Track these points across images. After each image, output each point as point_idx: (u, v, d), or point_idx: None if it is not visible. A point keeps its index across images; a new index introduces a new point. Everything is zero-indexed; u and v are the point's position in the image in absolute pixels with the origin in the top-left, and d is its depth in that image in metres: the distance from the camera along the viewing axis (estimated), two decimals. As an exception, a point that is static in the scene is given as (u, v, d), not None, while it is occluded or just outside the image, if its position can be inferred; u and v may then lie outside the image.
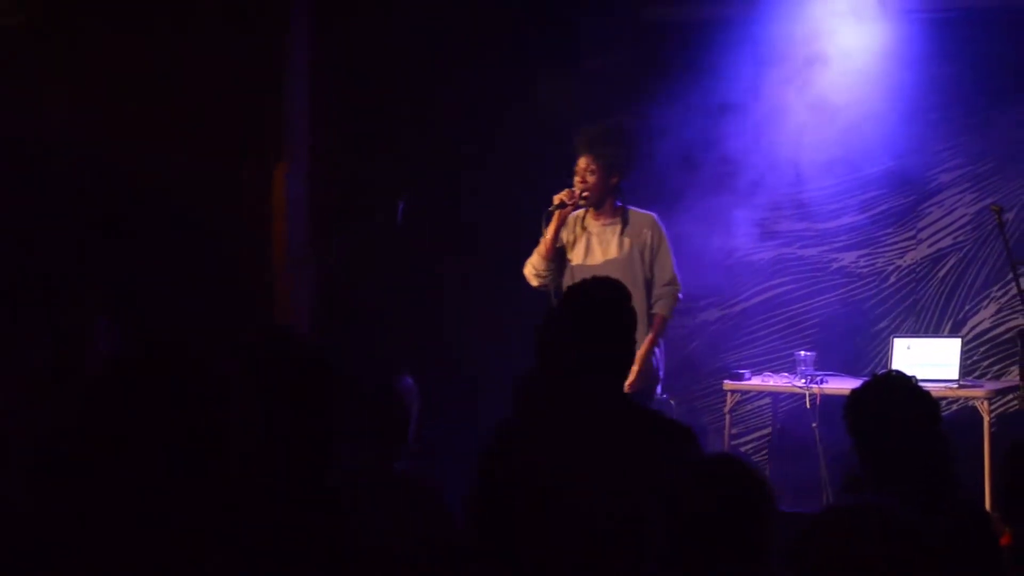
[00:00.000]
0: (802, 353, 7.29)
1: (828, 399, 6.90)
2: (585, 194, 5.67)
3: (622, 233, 5.64)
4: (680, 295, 5.90)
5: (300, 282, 7.26)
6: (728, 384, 7.44)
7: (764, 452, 7.82)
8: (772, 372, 7.64)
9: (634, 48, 7.76)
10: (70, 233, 6.65)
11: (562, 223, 5.70)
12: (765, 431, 7.97)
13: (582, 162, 5.70)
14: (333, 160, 7.45)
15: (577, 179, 5.70)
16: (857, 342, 7.84)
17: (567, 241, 5.76)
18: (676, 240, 6.38)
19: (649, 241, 5.66)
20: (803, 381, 7.12)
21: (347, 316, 7.42)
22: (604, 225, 5.67)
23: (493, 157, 7.56)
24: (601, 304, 3.41)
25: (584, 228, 5.70)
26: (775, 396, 7.68)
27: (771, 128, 7.68)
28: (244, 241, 7.21)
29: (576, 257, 5.73)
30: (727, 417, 7.50)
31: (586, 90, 7.81)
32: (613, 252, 5.60)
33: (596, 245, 5.68)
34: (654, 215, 5.80)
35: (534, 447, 3.25)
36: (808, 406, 6.95)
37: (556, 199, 5.68)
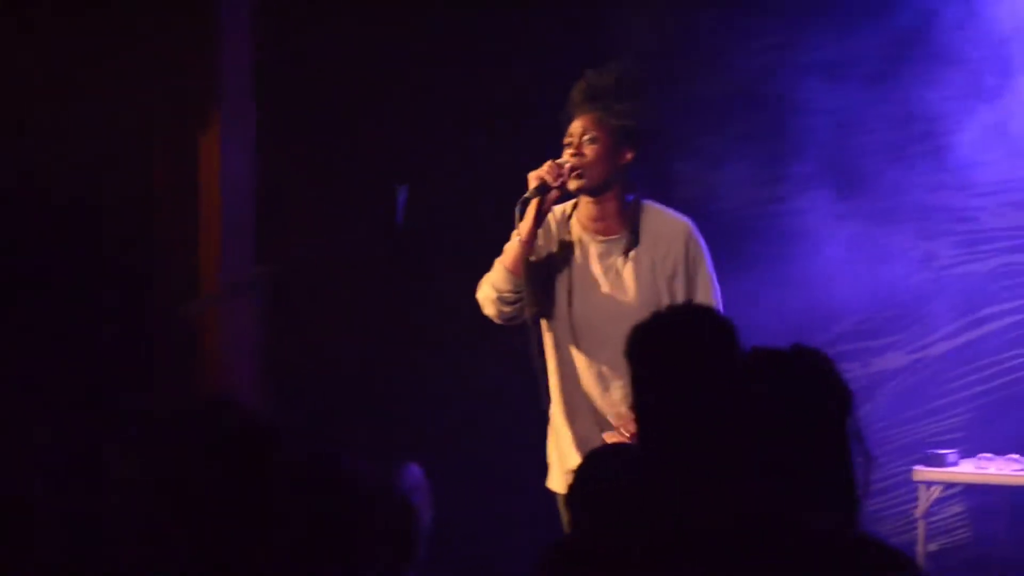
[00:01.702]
0: (1045, 423, 6.57)
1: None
2: (578, 172, 4.84)
3: (631, 250, 4.89)
4: None
5: (241, 320, 6.18)
6: (922, 472, 6.51)
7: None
8: (994, 454, 6.59)
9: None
10: None
11: (541, 218, 4.89)
12: (982, 549, 7.02)
13: (578, 125, 4.92)
14: (291, 134, 6.70)
15: (568, 151, 4.88)
16: None
17: (540, 257, 4.96)
18: (826, 244, 6.73)
19: (680, 264, 4.91)
20: (1049, 469, 6.35)
21: (316, 375, 6.68)
22: (606, 239, 4.90)
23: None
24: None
25: (574, 239, 4.96)
26: (998, 492, 6.77)
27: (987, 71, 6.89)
28: (147, 247, 6.31)
29: (562, 289, 4.91)
30: (920, 524, 6.55)
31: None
32: (631, 289, 4.87)
33: (597, 271, 4.90)
34: (689, 223, 4.99)
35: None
36: (1058, 509, 6.45)
37: (533, 179, 4.86)
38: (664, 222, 4.92)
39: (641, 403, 3.03)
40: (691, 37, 7.08)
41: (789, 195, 6.91)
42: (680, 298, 4.87)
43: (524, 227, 4.79)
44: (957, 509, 6.95)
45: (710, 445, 2.94)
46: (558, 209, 4.95)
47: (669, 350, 3.04)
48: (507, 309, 4.85)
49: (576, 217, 4.89)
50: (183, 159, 6.15)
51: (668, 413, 2.99)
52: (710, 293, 4.89)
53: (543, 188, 4.80)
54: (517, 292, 4.83)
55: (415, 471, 3.99)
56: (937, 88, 6.83)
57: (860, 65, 6.94)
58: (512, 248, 4.80)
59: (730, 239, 6.53)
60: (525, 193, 4.81)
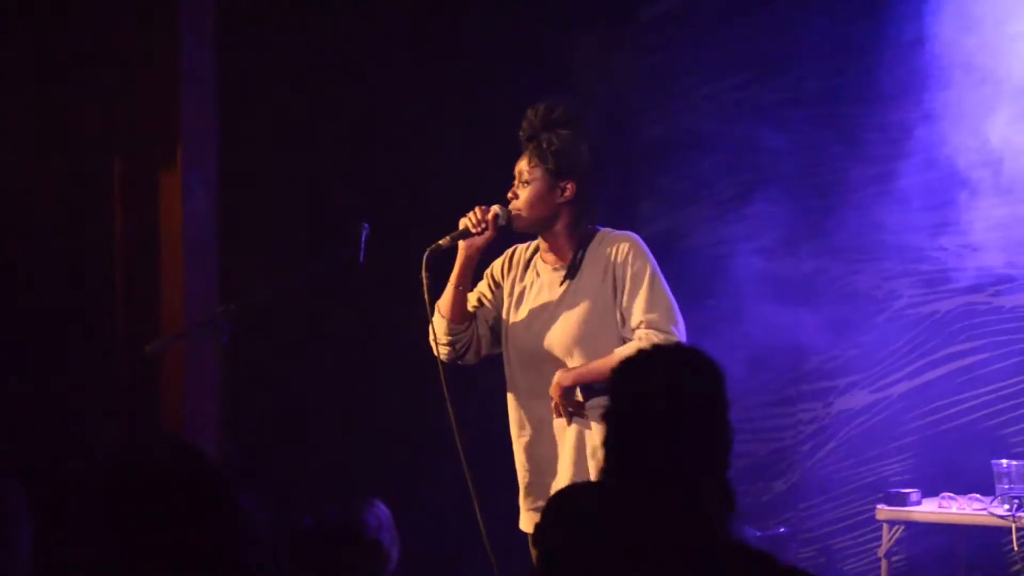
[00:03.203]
0: (1004, 463, 6.37)
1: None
2: (515, 213, 4.83)
3: (571, 273, 4.84)
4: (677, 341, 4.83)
5: (202, 361, 6.23)
6: (884, 511, 6.52)
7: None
8: (954, 493, 6.54)
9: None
10: None
11: (470, 259, 4.86)
12: (945, 588, 7.14)
13: (522, 163, 4.88)
14: (253, 171, 6.71)
15: (511, 191, 4.88)
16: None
17: (510, 293, 4.94)
18: (789, 284, 6.69)
19: (612, 270, 4.80)
20: (1008, 507, 6.22)
21: (278, 413, 6.70)
22: (556, 267, 4.87)
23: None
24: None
25: (535, 271, 4.92)
26: (959, 531, 6.71)
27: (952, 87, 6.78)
28: (109, 286, 6.22)
29: (519, 320, 4.88)
30: (883, 564, 6.55)
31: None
32: (574, 315, 4.78)
33: (546, 298, 4.85)
34: (632, 236, 4.91)
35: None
36: (1016, 548, 6.16)
37: (461, 223, 4.88)
38: (608, 242, 4.85)
39: (615, 438, 3.03)
40: (650, 77, 7.09)
41: (751, 234, 6.92)
42: (630, 306, 4.80)
43: (454, 274, 4.79)
44: (919, 548, 6.89)
45: (676, 479, 2.98)
46: (530, 245, 4.97)
47: (649, 389, 3.05)
48: (452, 350, 4.85)
49: (540, 253, 4.87)
50: (145, 197, 6.14)
51: (642, 452, 3.00)
52: (647, 287, 4.80)
53: (463, 234, 4.81)
54: (455, 335, 4.82)
55: (382, 509, 4.18)
56: (898, 129, 6.87)
57: (821, 105, 6.93)
58: (445, 294, 4.80)
59: (694, 277, 6.53)
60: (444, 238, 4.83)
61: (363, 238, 5.36)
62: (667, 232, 6.92)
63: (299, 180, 6.85)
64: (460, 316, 4.81)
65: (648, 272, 4.78)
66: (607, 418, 3.03)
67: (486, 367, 4.94)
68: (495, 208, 4.76)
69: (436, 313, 4.82)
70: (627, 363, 3.09)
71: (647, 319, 4.67)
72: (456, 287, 4.78)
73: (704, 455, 3.03)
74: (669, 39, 7.24)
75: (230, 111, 6.37)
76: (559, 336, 4.71)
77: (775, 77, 7.06)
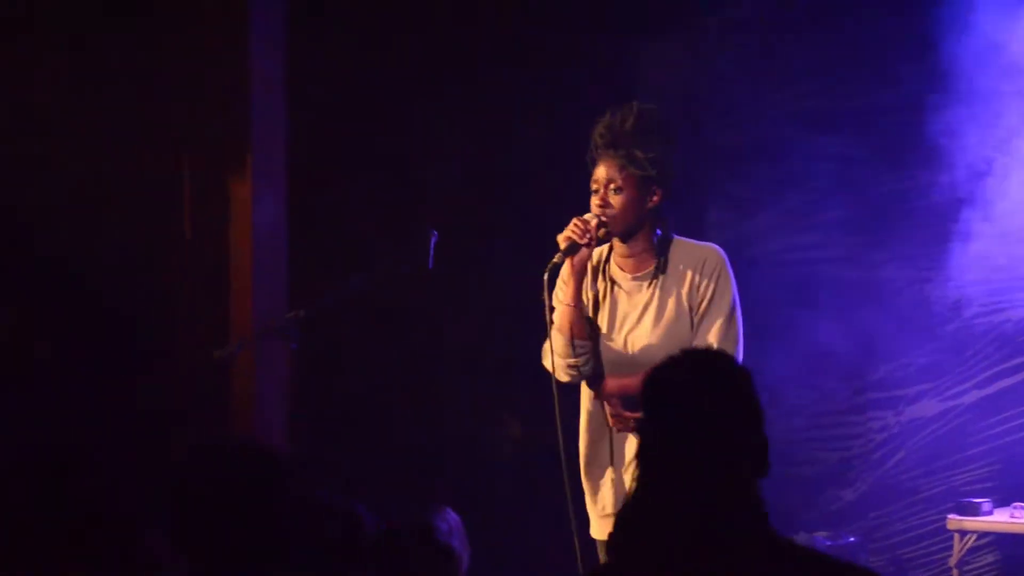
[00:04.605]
0: (1082, 472, 6.50)
1: None
2: (604, 220, 4.75)
3: (656, 280, 4.79)
4: None
5: (272, 367, 6.18)
6: (956, 521, 6.49)
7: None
8: None
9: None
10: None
11: (580, 274, 4.77)
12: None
13: (602, 172, 4.77)
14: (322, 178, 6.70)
15: (595, 200, 4.76)
16: None
17: (587, 300, 4.89)
18: (859, 292, 6.68)
19: (696, 281, 4.79)
20: (1087, 520, 6.28)
21: (347, 418, 6.70)
22: (636, 275, 4.81)
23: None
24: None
25: (608, 278, 4.84)
26: None
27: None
28: (178, 293, 6.27)
29: (597, 331, 4.82)
30: (954, 574, 6.53)
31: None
32: (659, 323, 4.77)
33: (627, 307, 4.80)
34: (718, 249, 4.88)
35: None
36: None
37: (562, 240, 4.74)
38: (691, 251, 4.83)
39: (643, 446, 3.03)
40: (716, 84, 7.11)
41: (821, 242, 6.90)
42: (703, 327, 4.79)
43: (567, 292, 4.73)
44: (991, 558, 6.92)
45: (704, 485, 2.97)
46: (596, 252, 4.89)
47: (678, 397, 3.04)
48: (578, 372, 4.74)
49: (612, 257, 4.82)
50: (215, 203, 6.15)
51: (670, 459, 3.00)
52: (722, 310, 4.82)
53: (572, 248, 4.73)
54: (584, 352, 4.73)
55: (452, 515, 4.21)
56: (975, 134, 6.78)
57: (892, 113, 6.91)
58: (562, 314, 4.72)
59: (762, 285, 6.48)
60: (554, 258, 4.73)
61: (431, 244, 5.33)
62: (736, 239, 6.81)
63: (367, 186, 6.87)
64: (583, 331, 4.74)
65: (729, 298, 4.79)
66: (638, 427, 3.07)
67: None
68: (593, 217, 4.72)
69: (557, 334, 4.74)
70: (655, 372, 3.09)
71: (716, 345, 4.68)
72: (571, 305, 4.71)
73: (734, 460, 3.02)
74: (738, 46, 7.23)
75: (299, 117, 6.39)
76: (647, 343, 4.71)
77: (846, 84, 7.03)
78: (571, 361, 4.69)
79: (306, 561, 3.83)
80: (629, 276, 4.74)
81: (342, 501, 4.10)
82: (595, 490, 4.55)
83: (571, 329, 4.69)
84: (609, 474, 4.52)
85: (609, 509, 4.48)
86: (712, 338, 4.69)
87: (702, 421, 2.98)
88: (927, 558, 7.14)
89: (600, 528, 4.52)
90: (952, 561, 6.50)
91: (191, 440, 5.83)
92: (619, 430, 4.56)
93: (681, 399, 3.01)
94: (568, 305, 4.69)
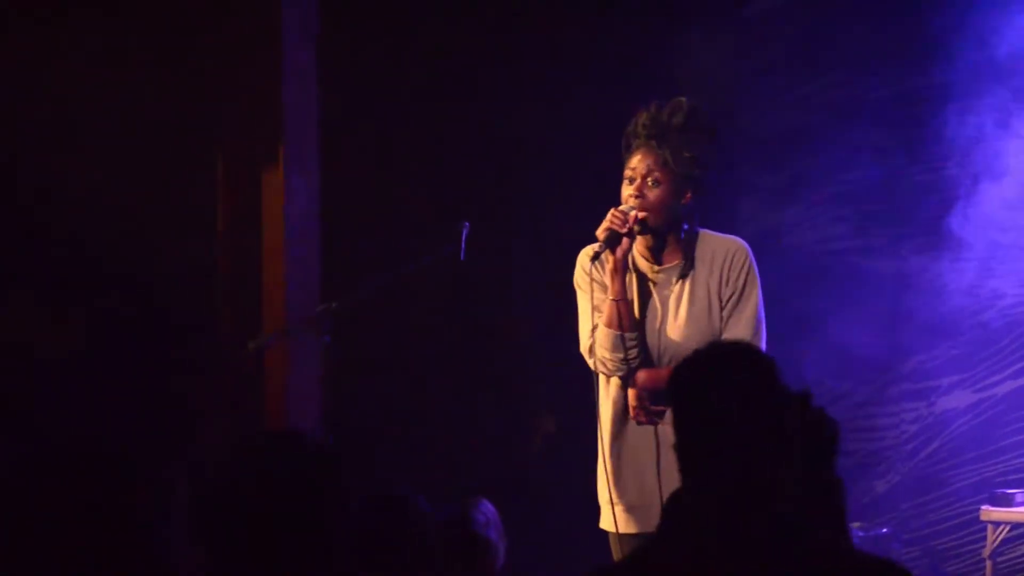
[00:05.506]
0: (1118, 462, 6.53)
1: None
2: (642, 215, 4.68)
3: (685, 273, 4.76)
4: None
5: (305, 359, 6.19)
6: (989, 512, 6.43)
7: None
8: None
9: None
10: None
11: (624, 267, 4.72)
12: (1053, 591, 6.94)
13: (640, 162, 4.70)
14: (355, 169, 6.69)
15: (630, 190, 4.68)
16: None
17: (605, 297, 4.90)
18: (892, 282, 6.68)
19: (726, 274, 4.79)
20: (1123, 511, 6.24)
21: (381, 410, 6.70)
22: (663, 268, 4.78)
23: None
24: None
25: (635, 271, 4.79)
26: None
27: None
28: (212, 284, 6.31)
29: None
30: (988, 565, 6.47)
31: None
32: (687, 316, 4.74)
33: (655, 301, 4.78)
34: (743, 243, 4.86)
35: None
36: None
37: (601, 233, 4.67)
38: (717, 244, 4.81)
39: (680, 440, 3.04)
40: (751, 73, 7.08)
41: (852, 234, 6.88)
42: (733, 319, 4.79)
43: (612, 287, 4.68)
44: (1025, 549, 6.95)
45: (744, 478, 2.98)
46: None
47: (705, 390, 3.04)
48: (628, 366, 4.68)
49: (636, 249, 4.79)
50: (248, 195, 6.16)
51: (703, 451, 3.01)
52: (750, 309, 4.81)
53: (612, 239, 4.68)
54: (634, 344, 4.70)
55: (489, 507, 4.28)
56: (1005, 125, 6.75)
57: (926, 102, 6.88)
58: (611, 308, 4.69)
59: (795, 276, 6.49)
60: (597, 250, 4.69)
61: (463, 236, 5.37)
62: (768, 230, 6.90)
63: (400, 178, 6.88)
64: (631, 324, 4.69)
65: (757, 292, 4.78)
66: (674, 420, 3.05)
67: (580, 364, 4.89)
68: (631, 209, 4.67)
69: (603, 330, 4.69)
70: (681, 365, 3.09)
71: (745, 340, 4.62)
72: (619, 300, 4.68)
73: (766, 450, 3.02)
74: (772, 35, 7.19)
75: (332, 109, 6.38)
76: (679, 336, 4.70)
77: (879, 73, 6.99)
78: (621, 355, 4.64)
79: (362, 553, 3.76)
80: (657, 269, 4.73)
81: (400, 491, 4.07)
82: (617, 481, 4.51)
83: (620, 324, 4.65)
84: (633, 467, 4.50)
85: (634, 502, 4.46)
86: (743, 331, 4.68)
87: (741, 412, 2.98)
88: (960, 549, 7.11)
89: (625, 522, 4.49)
90: (985, 552, 6.45)
91: (224, 432, 5.93)
92: (640, 423, 4.56)
93: (717, 392, 3.00)
94: (616, 300, 4.65)
